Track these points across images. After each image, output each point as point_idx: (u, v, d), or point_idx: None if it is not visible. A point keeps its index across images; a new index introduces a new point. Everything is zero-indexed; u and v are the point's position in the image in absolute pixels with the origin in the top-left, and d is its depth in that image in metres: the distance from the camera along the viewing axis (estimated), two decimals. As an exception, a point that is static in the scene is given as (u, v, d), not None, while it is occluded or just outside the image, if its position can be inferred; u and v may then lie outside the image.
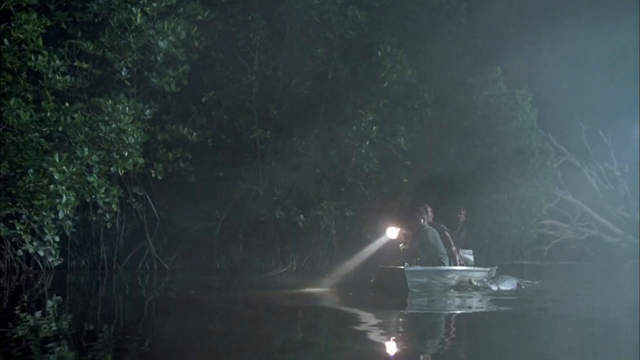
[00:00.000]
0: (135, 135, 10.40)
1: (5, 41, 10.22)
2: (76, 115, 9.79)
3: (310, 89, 14.22)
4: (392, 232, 10.75)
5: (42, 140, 10.29)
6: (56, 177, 9.40)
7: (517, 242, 18.12)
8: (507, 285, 10.83)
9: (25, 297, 8.65)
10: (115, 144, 10.21)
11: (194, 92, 13.55)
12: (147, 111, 11.85)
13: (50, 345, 4.94)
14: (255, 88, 14.00)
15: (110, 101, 10.31)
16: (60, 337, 5.35)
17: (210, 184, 14.24)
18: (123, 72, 12.03)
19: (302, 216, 13.74)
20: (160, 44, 11.91)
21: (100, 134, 9.97)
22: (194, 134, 13.19)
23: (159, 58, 12.38)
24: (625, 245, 20.92)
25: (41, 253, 10.40)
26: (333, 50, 14.12)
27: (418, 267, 9.99)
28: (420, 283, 9.92)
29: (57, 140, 10.16)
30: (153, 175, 12.44)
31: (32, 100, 10.73)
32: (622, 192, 20.84)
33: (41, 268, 12.15)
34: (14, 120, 9.94)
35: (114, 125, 10.05)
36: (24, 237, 9.88)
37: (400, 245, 10.88)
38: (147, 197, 13.61)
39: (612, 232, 21.12)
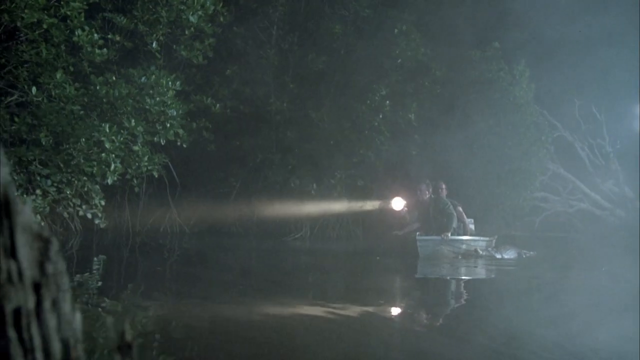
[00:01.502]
0: (177, 108, 11.57)
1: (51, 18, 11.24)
2: (123, 89, 10.91)
3: (325, 63, 15.36)
4: (398, 204, 12.11)
5: (81, 111, 11.41)
6: (107, 146, 10.55)
7: (510, 213, 19.38)
8: (510, 254, 12.18)
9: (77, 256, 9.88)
10: (158, 116, 11.37)
11: (215, 65, 14.65)
12: (177, 83, 12.93)
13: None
14: (273, 62, 15.15)
15: (153, 76, 11.41)
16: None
17: (227, 152, 15.42)
18: (154, 45, 13.09)
19: (315, 185, 15.01)
20: (191, 18, 12.94)
21: (146, 107, 11.12)
22: (217, 105, 14.31)
23: (186, 32, 13.44)
24: (613, 219, 22.25)
25: (89, 216, 11.56)
26: (347, 26, 15.28)
27: (427, 236, 11.32)
28: (430, 250, 11.24)
29: (99, 110, 11.25)
30: (178, 143, 13.57)
31: (71, 73, 11.81)
32: (612, 167, 22.09)
33: (74, 229, 13.28)
34: (60, 92, 11.07)
35: (158, 99, 11.20)
36: (73, 201, 11.07)
37: (404, 211, 12.25)
38: (170, 164, 14.74)
39: (601, 206, 22.44)
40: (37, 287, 1.99)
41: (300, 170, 15.23)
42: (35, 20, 10.70)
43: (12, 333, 1.86)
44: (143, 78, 11.28)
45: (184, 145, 13.67)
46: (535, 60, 19.27)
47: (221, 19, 14.09)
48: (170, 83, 11.36)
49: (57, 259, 2.06)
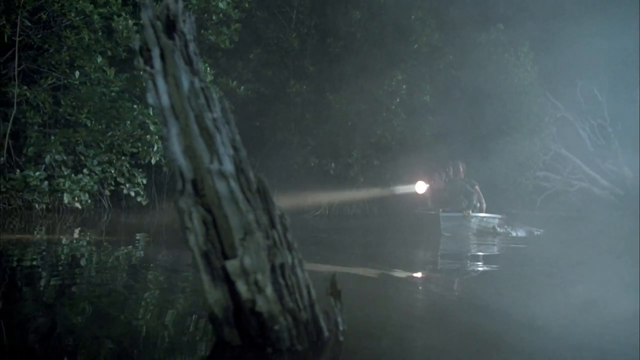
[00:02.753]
0: (216, 92, 12.55)
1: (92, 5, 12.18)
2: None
3: (342, 47, 16.36)
4: (421, 187, 13.14)
5: (121, 94, 12.40)
6: (151, 128, 11.56)
7: (513, 192, 20.46)
8: (522, 232, 13.26)
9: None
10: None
11: (238, 49, 15.60)
12: (206, 65, 13.90)
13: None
14: (293, 45, 16.14)
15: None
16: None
17: (247, 132, 16.41)
18: (183, 30, 14.00)
19: (333, 164, 16.07)
20: (220, 4, 13.90)
21: (186, 90, 12.08)
22: (242, 87, 15.29)
23: (214, 17, 14.39)
24: (612, 198, 23.37)
25: (132, 194, 12.59)
26: (364, 12, 16.27)
27: (450, 213, 12.34)
28: (452, 227, 12.24)
29: (141, 94, 12.23)
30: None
31: (108, 57, 12.78)
32: (613, 147, 23.16)
33: (106, 206, 14.26)
34: (99, 76, 12.06)
35: (197, 83, 12.16)
36: (118, 179, 12.09)
37: (427, 193, 13.29)
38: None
39: (601, 185, 23.56)
40: (289, 248, 3.08)
41: (318, 150, 16.23)
42: (81, 7, 11.61)
43: (281, 280, 2.95)
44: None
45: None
46: (538, 43, 20.27)
47: (246, 4, 15.00)
48: (208, 69, 12.30)
49: (290, 229, 3.17)
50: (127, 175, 12.33)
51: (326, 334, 3.07)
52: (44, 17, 11.66)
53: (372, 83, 15.84)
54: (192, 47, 3.38)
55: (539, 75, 20.01)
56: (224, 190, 2.94)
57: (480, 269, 7.27)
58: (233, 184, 2.95)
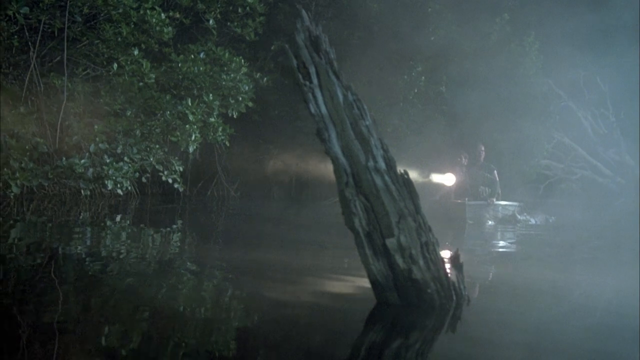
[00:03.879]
0: (247, 83, 13.40)
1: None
2: (202, 67, 12.71)
3: (360, 38, 17.18)
4: (449, 179, 13.87)
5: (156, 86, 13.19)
6: (190, 118, 12.39)
7: (518, 180, 21.30)
8: (539, 219, 14.08)
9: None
10: (230, 91, 13.18)
11: (261, 40, 16.38)
12: (221, 56, 14.62)
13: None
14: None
15: (227, 54, 13.21)
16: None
17: (267, 120, 17.24)
18: (210, 22, 14.81)
19: (351, 153, 16.88)
20: (247, -2, 14.69)
21: (223, 82, 12.94)
22: (265, 78, 16.08)
23: (239, 10, 15.16)
24: (613, 186, 24.24)
25: (170, 180, 13.42)
26: (381, 4, 17.08)
27: (475, 202, 13.09)
28: (476, 215, 12.97)
29: (180, 86, 13.04)
30: (230, 115, 15.24)
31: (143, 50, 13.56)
32: (615, 136, 24.01)
33: (136, 194, 15.06)
34: (135, 68, 12.85)
35: (232, 75, 13.01)
36: (157, 167, 12.91)
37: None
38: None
39: (602, 173, 24.43)
40: (430, 230, 3.95)
41: (335, 139, 17.00)
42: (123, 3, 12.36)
43: (426, 254, 3.82)
44: (226, 54, 13.01)
45: (234, 116, 15.41)
46: (541, 32, 21.08)
47: (270, -3, 15.81)
48: (242, 61, 13.11)
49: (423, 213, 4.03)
50: (164, 163, 13.11)
51: (462, 296, 3.98)
52: (86, 11, 12.36)
53: (389, 74, 16.61)
54: (335, 64, 4.21)
55: (543, 65, 20.77)
56: (380, 183, 3.79)
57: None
58: (387, 178, 3.80)
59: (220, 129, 13.25)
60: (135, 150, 12.69)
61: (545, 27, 21.29)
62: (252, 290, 4.63)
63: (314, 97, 3.90)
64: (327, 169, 17.49)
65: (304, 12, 4.21)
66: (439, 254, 3.93)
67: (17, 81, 12.56)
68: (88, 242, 6.92)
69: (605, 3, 21.71)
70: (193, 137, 12.61)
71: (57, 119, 12.08)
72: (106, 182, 12.07)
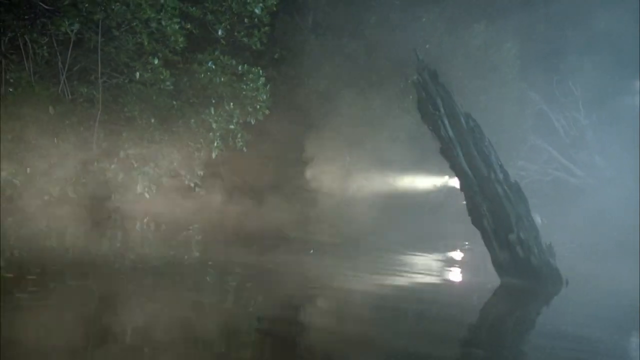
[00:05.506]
0: (266, 92, 14.52)
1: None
2: (224, 77, 13.81)
3: (354, 48, 18.41)
4: None
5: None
6: (214, 126, 13.50)
7: (495, 181, 22.73)
8: (537, 219, 15.41)
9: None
10: (251, 100, 14.29)
11: (265, 49, 17.47)
12: (239, 67, 15.69)
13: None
14: (311, 45, 18.13)
15: (242, 66, 14.35)
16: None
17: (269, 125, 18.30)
18: (219, 32, 15.85)
19: (348, 157, 18.13)
20: (256, 10, 15.74)
21: (243, 92, 14.05)
22: (268, 85, 17.15)
23: (246, 20, 16.22)
24: (584, 186, 25.77)
25: (192, 185, 14.50)
26: (376, 15, 18.36)
27: None
28: None
29: (200, 94, 14.12)
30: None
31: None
32: (586, 138, 25.50)
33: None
34: (153, 76, 13.93)
35: (251, 85, 14.14)
36: (180, 171, 14.00)
37: None
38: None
39: (574, 174, 25.92)
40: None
41: (329, 142, 18.16)
42: (149, 15, 13.40)
43: (538, 246, 5.10)
44: (240, 67, 14.12)
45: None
46: (517, 38, 22.45)
47: (274, 8, 16.88)
48: (260, 71, 14.25)
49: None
50: (187, 168, 14.19)
51: (561, 278, 5.30)
52: (113, 24, 13.35)
53: (385, 80, 17.83)
54: (453, 95, 5.46)
55: (519, 70, 22.19)
56: (501, 191, 5.04)
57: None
58: (505, 186, 5.05)
59: (239, 135, 14.35)
60: (160, 156, 13.73)
61: (521, 34, 22.69)
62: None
63: (442, 123, 5.10)
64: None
65: (417, 52, 5.42)
66: (546, 245, 5.21)
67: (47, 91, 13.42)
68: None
69: (578, 11, 23.16)
70: (215, 144, 13.72)
71: (93, 127, 13.04)
72: (136, 186, 13.08)
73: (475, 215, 5.06)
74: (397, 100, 17.89)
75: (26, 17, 12.42)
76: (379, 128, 18.22)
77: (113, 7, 12.61)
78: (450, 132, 5.14)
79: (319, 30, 18.43)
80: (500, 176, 5.02)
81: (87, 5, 12.48)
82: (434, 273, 7.69)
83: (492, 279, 5.95)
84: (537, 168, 25.30)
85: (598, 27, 23.05)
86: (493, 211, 5.00)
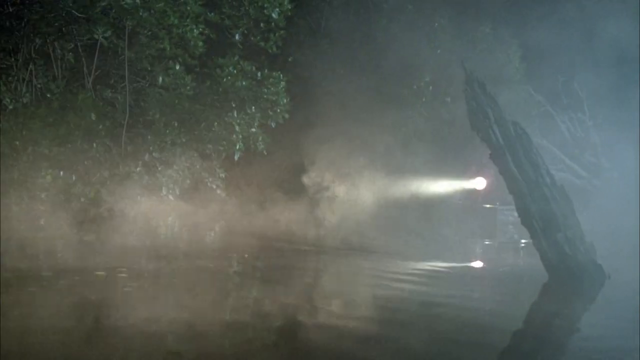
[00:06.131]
0: (286, 96, 14.97)
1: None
2: (245, 81, 14.26)
3: (367, 51, 18.84)
4: (480, 183, 15.40)
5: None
6: (237, 129, 13.95)
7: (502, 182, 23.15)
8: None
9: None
10: (271, 104, 14.75)
11: (279, 52, 17.90)
12: (259, 73, 16.06)
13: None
14: (324, 49, 18.56)
15: (262, 72, 14.80)
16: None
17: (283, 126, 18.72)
18: (237, 37, 16.30)
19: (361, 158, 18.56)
20: (273, 14, 16.18)
21: (264, 96, 14.51)
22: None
23: (262, 25, 16.66)
24: (589, 187, 26.24)
25: (214, 187, 14.93)
26: (388, 19, 18.79)
27: (505, 206, 14.64)
28: (504, 218, 14.51)
29: (222, 98, 14.56)
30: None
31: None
32: (592, 139, 25.95)
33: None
34: (174, 81, 14.38)
35: (272, 89, 14.59)
36: (202, 174, 14.45)
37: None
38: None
39: (579, 175, 26.35)
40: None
41: (344, 146, 18.60)
42: (172, 21, 13.84)
43: (584, 244, 5.57)
44: (259, 73, 14.56)
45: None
46: (523, 40, 22.90)
47: (289, 13, 17.32)
48: (281, 76, 14.70)
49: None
50: (210, 170, 14.64)
51: (604, 273, 5.78)
52: (142, 31, 13.79)
53: (398, 83, 18.25)
54: (499, 105, 5.92)
55: (525, 72, 22.65)
56: (548, 193, 5.51)
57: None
58: (552, 189, 5.51)
59: (260, 138, 14.80)
60: (183, 159, 14.18)
61: (526, 36, 23.13)
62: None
63: (493, 131, 5.55)
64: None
65: (464, 65, 5.87)
66: (589, 244, 5.69)
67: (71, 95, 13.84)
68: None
69: (584, 13, 23.61)
70: (238, 146, 14.18)
71: (121, 131, 13.47)
72: (161, 188, 13.52)
73: (524, 216, 5.54)
74: (411, 103, 18.29)
75: (55, 24, 12.82)
76: (393, 131, 18.62)
77: (142, 14, 12.98)
78: (500, 140, 5.60)
79: (332, 35, 18.83)
80: (547, 180, 5.48)
81: (115, 12, 12.90)
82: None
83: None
84: (542, 169, 25.70)
85: (604, 29, 23.51)
86: (541, 212, 5.46)
